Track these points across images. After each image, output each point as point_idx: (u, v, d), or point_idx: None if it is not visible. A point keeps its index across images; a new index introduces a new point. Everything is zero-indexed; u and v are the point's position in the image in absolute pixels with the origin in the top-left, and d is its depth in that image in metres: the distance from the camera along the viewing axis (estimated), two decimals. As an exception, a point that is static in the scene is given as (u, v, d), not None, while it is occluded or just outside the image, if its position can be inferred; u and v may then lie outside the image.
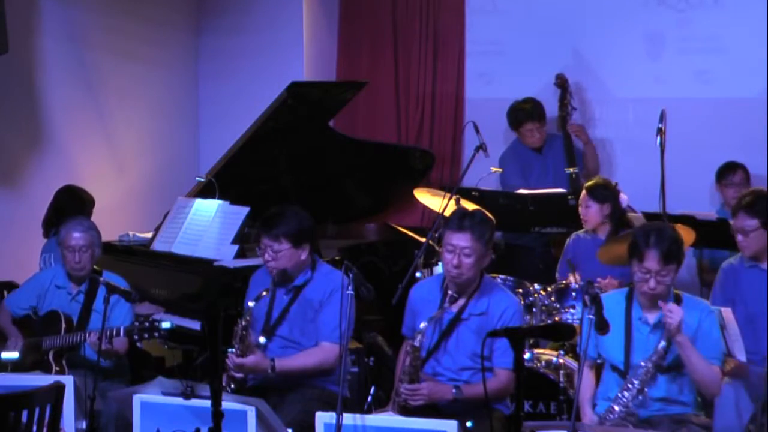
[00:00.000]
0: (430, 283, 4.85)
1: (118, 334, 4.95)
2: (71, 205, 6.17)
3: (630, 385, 4.37)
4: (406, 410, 4.49)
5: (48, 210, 6.27)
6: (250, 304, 4.79)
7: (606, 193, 6.04)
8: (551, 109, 7.28)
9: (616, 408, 4.37)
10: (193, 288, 5.85)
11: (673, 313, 4.32)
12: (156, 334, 4.94)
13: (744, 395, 4.89)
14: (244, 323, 4.74)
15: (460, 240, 4.55)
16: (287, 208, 4.96)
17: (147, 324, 4.93)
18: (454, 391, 4.55)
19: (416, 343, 4.51)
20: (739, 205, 5.23)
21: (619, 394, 4.38)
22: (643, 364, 4.37)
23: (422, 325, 4.51)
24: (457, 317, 4.65)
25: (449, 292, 4.62)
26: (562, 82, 7.27)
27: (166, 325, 4.96)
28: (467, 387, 4.57)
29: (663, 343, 4.36)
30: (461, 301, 4.65)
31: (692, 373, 4.40)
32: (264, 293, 4.83)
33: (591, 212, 6.05)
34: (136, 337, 4.94)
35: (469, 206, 5.64)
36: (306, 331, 4.86)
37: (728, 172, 6.80)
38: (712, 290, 5.39)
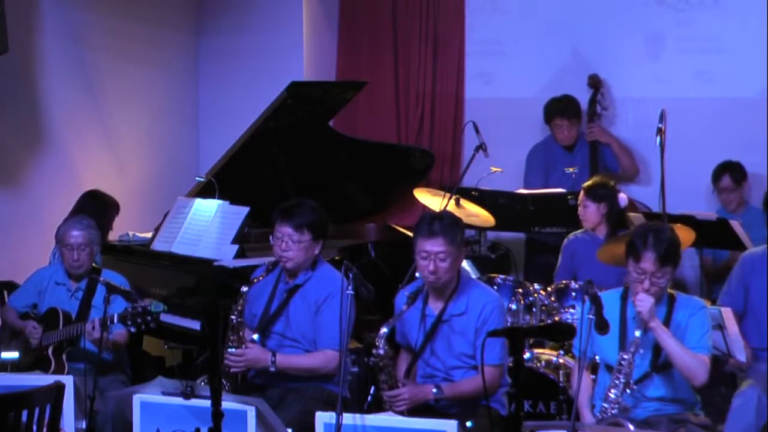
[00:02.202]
0: (411, 290, 4.81)
1: (112, 321, 4.98)
2: (92, 208, 6.14)
3: (617, 381, 4.38)
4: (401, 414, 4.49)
5: (70, 213, 6.25)
6: (244, 289, 4.80)
7: (603, 192, 6.04)
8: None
9: (607, 406, 4.37)
10: (193, 288, 5.85)
11: (644, 301, 4.32)
12: (149, 318, 4.95)
13: (765, 400, 4.89)
14: (239, 308, 4.76)
15: (434, 245, 4.51)
16: (306, 201, 4.97)
17: (139, 309, 4.95)
18: (434, 390, 4.53)
19: (380, 351, 4.46)
20: None
21: (609, 393, 4.38)
22: (625, 356, 4.37)
23: (382, 330, 4.46)
24: (438, 319, 4.63)
25: (405, 292, 4.60)
26: (594, 83, 7.27)
27: (157, 307, 4.97)
28: (448, 386, 4.56)
29: (638, 333, 4.37)
30: (440, 304, 4.64)
31: (672, 359, 4.38)
32: (260, 277, 4.86)
33: (588, 212, 6.05)
34: (129, 322, 4.95)
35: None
36: (304, 331, 4.86)
37: (716, 177, 6.82)
38: (729, 277, 5.37)
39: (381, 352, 4.46)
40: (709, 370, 4.40)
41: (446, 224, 4.55)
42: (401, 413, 4.46)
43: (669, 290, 4.49)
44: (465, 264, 5.47)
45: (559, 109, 7.19)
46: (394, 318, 4.55)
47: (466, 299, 4.62)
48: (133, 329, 5.01)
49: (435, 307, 4.66)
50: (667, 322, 4.43)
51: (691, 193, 7.02)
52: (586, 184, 6.16)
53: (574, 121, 7.19)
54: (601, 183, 6.10)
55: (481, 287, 4.74)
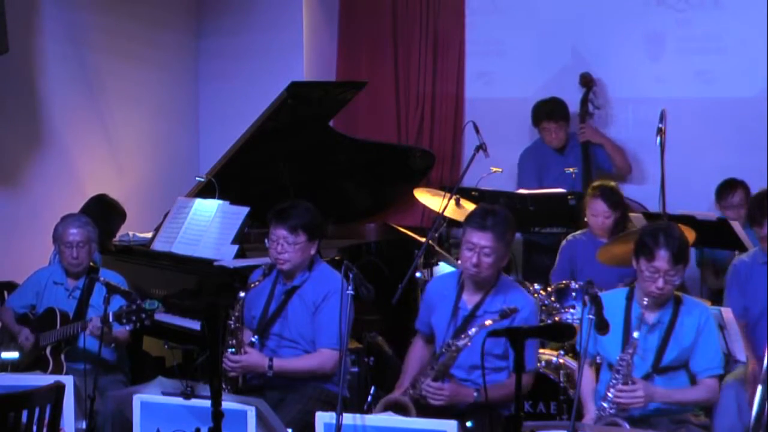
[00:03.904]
0: (447, 279, 4.81)
1: (107, 320, 4.97)
2: (97, 213, 6.10)
3: (614, 381, 4.37)
4: (418, 403, 4.45)
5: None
6: (241, 294, 4.80)
7: (618, 198, 5.97)
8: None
9: (606, 405, 4.37)
10: (193, 288, 5.85)
11: (635, 393, 4.33)
12: (143, 315, 4.95)
13: (744, 396, 4.89)
14: (236, 314, 4.76)
15: (481, 239, 4.50)
16: (300, 202, 4.97)
17: (134, 306, 4.95)
18: (475, 394, 4.49)
19: (460, 344, 4.37)
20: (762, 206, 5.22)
21: (608, 393, 4.37)
22: (624, 357, 4.37)
23: (473, 330, 4.36)
24: (471, 314, 4.59)
25: (503, 307, 4.46)
26: (586, 82, 7.25)
27: (151, 305, 4.97)
28: (488, 390, 4.52)
29: (636, 334, 4.35)
30: (476, 298, 4.60)
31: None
32: (256, 283, 4.86)
33: (611, 220, 5.93)
34: (124, 320, 4.95)
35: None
36: (303, 331, 4.86)
37: (727, 192, 6.63)
38: (726, 288, 5.37)
39: (460, 344, 4.37)
40: (717, 390, 4.50)
41: (498, 221, 4.53)
42: (433, 407, 4.43)
43: (675, 292, 4.49)
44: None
45: (546, 111, 7.16)
46: (489, 321, 4.37)
47: (503, 299, 4.57)
48: (128, 327, 5.00)
49: (469, 300, 4.62)
50: (672, 324, 4.43)
51: (691, 193, 7.01)
52: (602, 191, 5.96)
53: (562, 123, 7.16)
54: (613, 188, 6.00)
55: (519, 290, 4.70)
